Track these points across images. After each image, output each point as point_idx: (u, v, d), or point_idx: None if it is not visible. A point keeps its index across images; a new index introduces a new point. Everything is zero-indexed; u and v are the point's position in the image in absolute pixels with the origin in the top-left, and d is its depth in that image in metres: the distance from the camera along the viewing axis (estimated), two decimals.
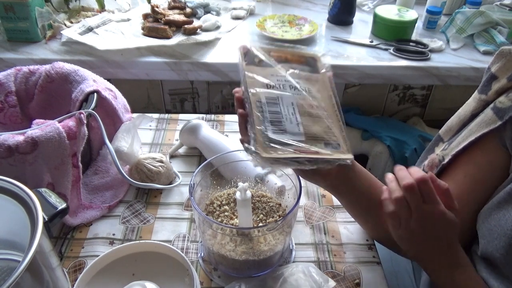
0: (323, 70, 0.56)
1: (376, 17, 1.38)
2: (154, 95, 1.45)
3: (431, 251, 0.55)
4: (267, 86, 0.51)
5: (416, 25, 1.38)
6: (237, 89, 0.53)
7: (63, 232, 0.69)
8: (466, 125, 0.65)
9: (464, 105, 0.68)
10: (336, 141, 0.50)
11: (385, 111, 1.54)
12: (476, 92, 0.66)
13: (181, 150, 0.87)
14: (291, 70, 0.54)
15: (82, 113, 0.67)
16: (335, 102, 0.53)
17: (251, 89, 0.50)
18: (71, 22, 1.35)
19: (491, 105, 0.61)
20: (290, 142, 0.48)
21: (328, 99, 0.53)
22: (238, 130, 0.91)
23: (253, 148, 0.47)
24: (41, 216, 0.42)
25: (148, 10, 1.39)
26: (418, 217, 0.51)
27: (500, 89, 0.61)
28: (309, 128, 0.49)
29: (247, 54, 0.54)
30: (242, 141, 0.51)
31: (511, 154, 0.58)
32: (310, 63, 0.56)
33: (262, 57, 0.53)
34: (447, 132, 0.69)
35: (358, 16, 1.49)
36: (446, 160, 0.65)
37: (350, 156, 0.49)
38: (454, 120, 0.69)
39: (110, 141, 0.74)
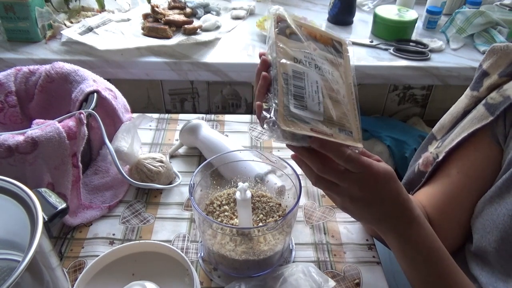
0: (347, 54, 0.55)
1: (376, 17, 1.38)
2: (154, 95, 1.45)
3: (379, 215, 0.53)
4: (295, 59, 0.51)
5: (416, 25, 1.38)
6: (262, 51, 0.52)
7: (63, 232, 0.69)
8: (458, 122, 0.66)
9: (457, 102, 0.68)
10: (349, 129, 0.50)
11: (385, 111, 1.54)
12: (468, 89, 0.66)
13: (181, 150, 0.87)
14: (318, 50, 0.53)
15: (82, 113, 0.67)
16: (353, 91, 0.53)
17: (280, 59, 0.50)
18: (71, 22, 1.35)
19: (483, 101, 0.62)
20: (309, 120, 0.47)
21: (347, 86, 0.53)
22: (238, 130, 0.92)
23: (273, 118, 0.46)
24: (41, 216, 0.42)
25: (148, 10, 1.39)
26: (341, 196, 0.52)
27: (491, 85, 0.62)
28: (329, 110, 0.49)
29: (280, 22, 0.53)
30: (259, 107, 0.49)
31: (503, 149, 0.59)
32: (336, 47, 0.55)
33: (295, 30, 0.53)
34: (440, 130, 0.70)
35: (358, 16, 1.49)
36: (440, 157, 0.65)
37: (360, 145, 0.50)
38: (446, 117, 0.69)
39: (110, 141, 0.74)
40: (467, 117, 0.63)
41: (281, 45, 0.50)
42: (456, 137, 0.63)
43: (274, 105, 0.47)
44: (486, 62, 0.64)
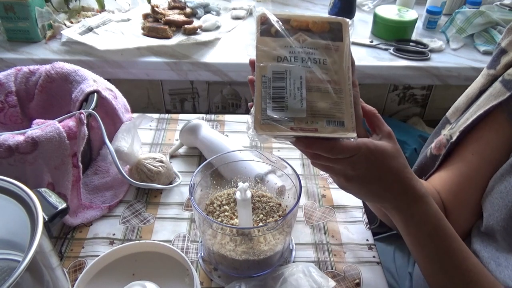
0: (347, 36, 0.54)
1: (376, 17, 1.38)
2: (154, 95, 1.45)
3: (378, 193, 0.53)
4: (278, 58, 0.51)
5: (416, 25, 1.38)
6: (252, 58, 0.52)
7: (63, 232, 0.69)
8: (473, 102, 0.64)
9: (472, 83, 0.66)
10: (340, 119, 0.49)
11: (385, 111, 1.54)
12: (485, 69, 0.65)
13: (181, 150, 0.87)
14: (309, 40, 0.52)
15: (82, 113, 0.67)
16: (349, 75, 0.51)
17: (259, 62, 0.50)
18: (71, 22, 1.35)
19: (500, 78, 0.60)
20: (290, 119, 0.47)
21: (344, 71, 0.51)
22: (238, 130, 0.92)
23: (250, 124, 0.47)
24: (41, 216, 0.42)
25: (148, 10, 1.39)
26: (338, 176, 0.52)
27: (509, 62, 0.60)
28: (314, 104, 0.49)
29: (264, 23, 0.52)
30: (250, 107, 0.50)
31: None
32: (334, 31, 0.54)
33: (278, 27, 0.52)
34: (455, 113, 0.68)
35: (358, 16, 1.49)
36: (454, 138, 0.64)
37: (353, 134, 0.48)
38: (461, 99, 0.67)
39: (110, 141, 0.74)
40: (483, 95, 0.62)
41: (262, 47, 0.51)
42: (471, 116, 0.62)
43: (252, 111, 0.48)
44: (505, 40, 0.62)
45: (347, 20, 0.55)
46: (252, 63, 0.51)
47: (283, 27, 0.52)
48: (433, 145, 0.69)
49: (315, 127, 0.48)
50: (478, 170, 0.61)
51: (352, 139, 0.48)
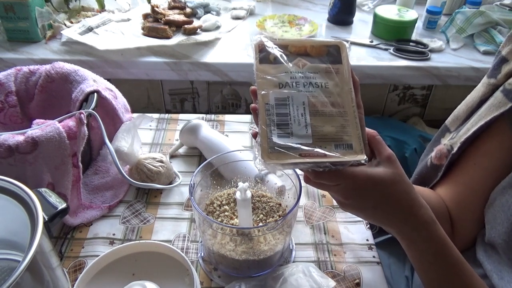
0: (345, 60, 0.53)
1: (376, 17, 1.38)
2: (154, 95, 1.45)
3: (375, 219, 0.53)
4: (279, 85, 0.50)
5: (416, 25, 1.38)
6: (253, 87, 0.52)
7: (63, 232, 0.69)
8: (474, 112, 0.63)
9: (472, 92, 0.66)
10: (348, 141, 0.48)
11: (385, 111, 1.54)
12: (485, 77, 0.64)
13: (181, 150, 0.87)
14: (308, 64, 0.52)
15: (82, 113, 0.67)
16: (353, 97, 0.51)
17: (261, 90, 0.50)
18: (71, 22, 1.35)
19: (501, 88, 0.59)
20: (296, 145, 0.47)
21: (346, 93, 0.51)
22: (238, 130, 0.92)
23: (256, 154, 0.47)
24: (41, 216, 0.42)
25: (148, 10, 1.39)
26: (336, 196, 0.52)
27: (510, 71, 0.60)
28: (320, 129, 0.48)
29: (262, 50, 0.52)
30: (254, 137, 0.50)
31: None
32: (333, 53, 0.53)
33: (276, 54, 0.52)
34: (454, 121, 0.67)
35: (358, 16, 1.49)
36: (455, 148, 0.63)
37: (362, 156, 0.47)
38: (461, 108, 0.66)
39: (110, 141, 0.74)
40: (484, 105, 0.61)
41: (262, 75, 0.50)
42: (472, 127, 0.61)
43: (258, 140, 0.47)
44: (506, 48, 0.61)
45: (344, 42, 0.54)
46: (253, 92, 0.50)
47: (281, 53, 0.52)
48: (433, 154, 0.68)
49: (323, 152, 0.47)
50: (481, 181, 0.61)
51: (363, 161, 0.47)
